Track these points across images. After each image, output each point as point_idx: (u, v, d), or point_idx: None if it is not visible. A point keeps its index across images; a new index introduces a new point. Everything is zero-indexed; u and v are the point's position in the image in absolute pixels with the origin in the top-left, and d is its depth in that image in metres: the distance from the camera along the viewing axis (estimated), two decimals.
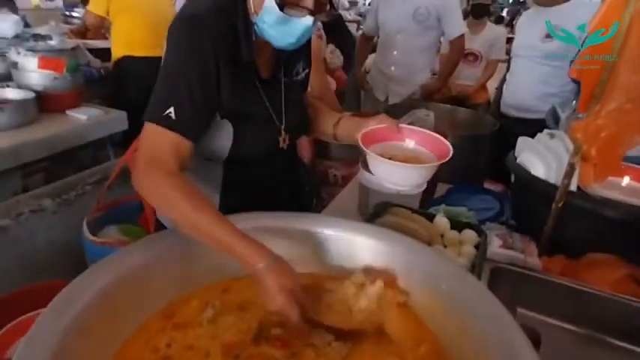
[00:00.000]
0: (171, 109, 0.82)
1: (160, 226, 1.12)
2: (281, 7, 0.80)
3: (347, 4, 9.36)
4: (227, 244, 0.74)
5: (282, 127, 1.01)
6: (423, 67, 2.62)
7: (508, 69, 2.27)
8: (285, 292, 0.71)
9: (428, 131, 0.98)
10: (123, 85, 2.65)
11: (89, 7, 2.65)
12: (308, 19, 0.83)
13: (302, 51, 1.02)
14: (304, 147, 1.94)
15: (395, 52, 2.57)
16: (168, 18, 2.83)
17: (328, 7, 0.89)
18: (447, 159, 0.90)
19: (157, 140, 0.83)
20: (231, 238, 0.74)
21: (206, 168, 1.02)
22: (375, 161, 0.91)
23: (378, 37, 2.77)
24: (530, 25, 2.06)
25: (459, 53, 2.61)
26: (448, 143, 0.93)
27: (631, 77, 0.83)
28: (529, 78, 2.03)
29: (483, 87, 3.19)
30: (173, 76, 0.85)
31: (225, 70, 0.87)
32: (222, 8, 0.88)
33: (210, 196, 1.04)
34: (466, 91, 3.07)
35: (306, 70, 1.09)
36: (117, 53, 2.68)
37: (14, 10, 3.60)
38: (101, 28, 2.86)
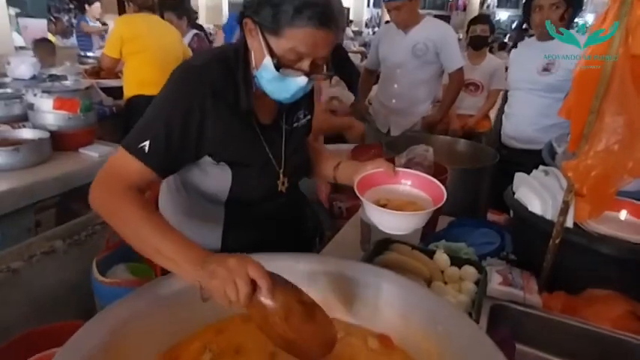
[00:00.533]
0: (146, 143, 0.87)
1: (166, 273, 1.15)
2: (277, 67, 0.85)
3: (351, 34, 9.60)
4: (169, 257, 0.76)
5: (281, 171, 1.05)
6: (423, 100, 2.68)
7: (505, 101, 2.30)
8: (217, 278, 0.67)
9: (424, 174, 1.00)
10: (134, 122, 2.75)
11: (105, 50, 2.80)
12: (302, 80, 0.88)
13: (303, 99, 1.05)
14: (320, 185, 1.99)
15: (395, 86, 2.64)
16: (178, 56, 2.96)
17: (325, 68, 0.94)
18: (441, 204, 0.92)
19: (125, 163, 0.88)
20: (171, 247, 0.76)
21: (208, 208, 1.06)
22: (370, 208, 0.92)
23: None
24: (526, 58, 2.10)
25: (458, 86, 2.66)
26: (443, 187, 0.95)
27: (616, 119, 0.86)
28: (529, 110, 2.06)
29: (486, 116, 3.23)
30: (157, 113, 0.91)
31: (221, 117, 0.92)
32: (223, 60, 0.94)
33: (213, 236, 1.07)
34: (467, 124, 3.10)
35: (308, 117, 1.13)
36: (128, 92, 2.81)
37: (52, 49, 3.81)
38: (115, 68, 2.97)
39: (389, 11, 2.51)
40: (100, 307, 1.22)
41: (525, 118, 2.07)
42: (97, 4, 5.24)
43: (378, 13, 16.23)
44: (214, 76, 0.92)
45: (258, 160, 1.01)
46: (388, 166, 1.01)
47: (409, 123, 2.68)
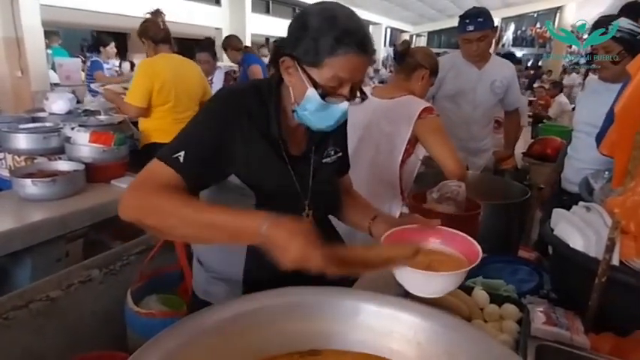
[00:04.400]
0: (181, 153, 0.89)
1: (194, 299, 1.15)
2: (323, 96, 0.90)
3: (372, 73, 9.86)
4: (223, 223, 0.80)
5: (307, 203, 1.06)
6: (490, 135, 2.66)
7: (569, 142, 2.19)
8: (296, 238, 0.74)
9: (457, 232, 0.95)
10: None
11: (128, 99, 2.58)
12: (345, 105, 0.94)
13: (333, 135, 1.09)
14: None
15: (473, 125, 2.51)
16: (197, 99, 2.90)
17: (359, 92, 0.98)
18: (475, 264, 0.85)
19: (159, 172, 0.90)
20: (226, 216, 0.80)
21: None
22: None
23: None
24: (593, 100, 1.98)
25: (519, 123, 2.68)
26: (478, 246, 0.89)
27: None
28: (592, 155, 1.84)
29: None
30: (193, 128, 0.97)
31: (252, 141, 0.97)
32: (257, 89, 1.00)
33: (235, 265, 1.07)
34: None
35: (339, 154, 1.14)
36: (146, 139, 2.69)
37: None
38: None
39: (467, 43, 2.37)
40: (132, 336, 1.22)
41: (588, 163, 1.92)
42: (111, 45, 5.00)
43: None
44: (250, 102, 0.97)
45: (283, 188, 1.03)
46: (424, 222, 0.99)
47: (484, 161, 2.60)
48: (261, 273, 0.99)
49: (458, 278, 0.86)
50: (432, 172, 1.99)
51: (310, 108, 0.93)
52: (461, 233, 0.95)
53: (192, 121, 0.98)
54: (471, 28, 2.32)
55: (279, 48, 0.96)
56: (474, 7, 2.40)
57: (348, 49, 0.87)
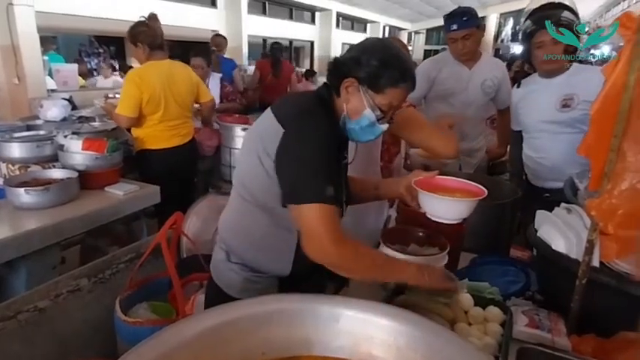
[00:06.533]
0: (330, 188, 1.00)
1: (223, 298, 1.18)
2: (378, 118, 1.07)
3: None
4: (397, 278, 1.05)
5: (344, 200, 1.19)
6: (482, 134, 2.66)
7: (519, 141, 2.17)
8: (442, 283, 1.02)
9: (464, 180, 1.24)
10: (144, 171, 2.73)
11: (119, 110, 2.54)
12: (386, 125, 1.12)
13: (348, 141, 1.24)
14: None
15: (465, 126, 2.48)
16: (186, 107, 2.78)
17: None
18: (484, 196, 1.14)
19: (329, 215, 1.00)
20: (399, 276, 1.04)
21: (283, 234, 1.15)
22: (424, 197, 1.14)
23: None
24: (537, 97, 1.99)
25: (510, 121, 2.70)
26: (482, 186, 1.17)
27: (639, 158, 0.86)
28: (561, 149, 1.90)
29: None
30: (316, 159, 1.02)
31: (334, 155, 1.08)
32: (322, 104, 1.10)
33: (284, 260, 1.17)
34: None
35: (348, 156, 1.26)
36: (140, 145, 2.69)
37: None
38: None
39: (453, 42, 2.36)
40: (122, 345, 1.23)
41: (561, 156, 1.91)
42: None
43: None
44: (324, 116, 1.07)
45: (339, 191, 1.12)
46: (427, 174, 1.22)
47: (477, 161, 2.61)
48: (306, 269, 1.11)
49: (472, 205, 1.14)
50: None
51: (362, 124, 1.08)
52: (469, 182, 1.23)
53: (306, 151, 1.02)
54: (454, 27, 2.33)
55: (343, 68, 1.07)
56: (459, 7, 2.41)
57: (406, 84, 1.05)
